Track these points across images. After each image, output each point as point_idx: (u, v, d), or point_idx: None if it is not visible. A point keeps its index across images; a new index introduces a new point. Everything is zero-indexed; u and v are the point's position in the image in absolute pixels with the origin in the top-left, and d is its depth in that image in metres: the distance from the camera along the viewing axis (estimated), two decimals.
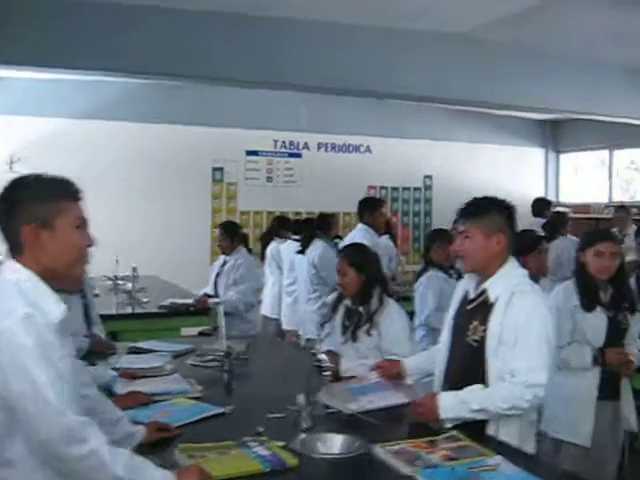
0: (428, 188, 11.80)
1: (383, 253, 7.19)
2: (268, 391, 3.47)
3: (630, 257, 6.05)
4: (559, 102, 8.03)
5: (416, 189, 11.76)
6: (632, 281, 5.69)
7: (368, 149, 11.35)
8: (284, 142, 10.88)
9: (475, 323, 2.94)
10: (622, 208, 9.27)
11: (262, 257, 8.43)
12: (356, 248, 4.35)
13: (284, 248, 7.88)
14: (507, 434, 2.82)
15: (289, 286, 7.63)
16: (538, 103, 7.92)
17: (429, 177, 11.80)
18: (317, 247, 7.11)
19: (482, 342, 2.89)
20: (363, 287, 3.93)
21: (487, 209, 2.98)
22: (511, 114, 11.65)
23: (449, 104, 8.22)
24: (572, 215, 11.88)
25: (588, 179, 12.89)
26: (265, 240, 8.45)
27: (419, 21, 6.65)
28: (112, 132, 9.47)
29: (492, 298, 2.92)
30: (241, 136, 10.42)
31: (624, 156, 12.23)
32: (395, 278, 8.10)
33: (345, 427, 2.89)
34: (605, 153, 12.28)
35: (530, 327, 2.79)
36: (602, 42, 7.32)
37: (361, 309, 3.92)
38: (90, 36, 5.80)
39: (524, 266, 4.53)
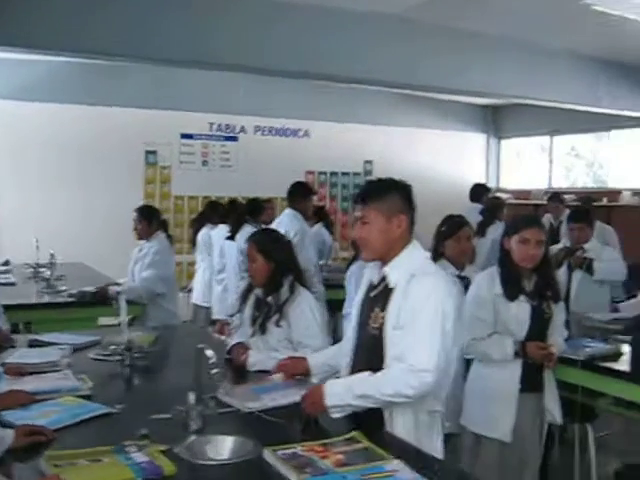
0: (368, 173, 11.61)
1: (313, 240, 7.02)
2: (167, 388, 3.24)
3: (563, 244, 5.90)
4: (498, 86, 7.89)
5: (356, 174, 11.57)
6: (563, 269, 5.60)
7: (307, 133, 11.12)
8: (220, 125, 10.58)
9: (376, 310, 2.75)
10: (555, 196, 9.18)
11: (193, 243, 8.18)
12: (266, 233, 4.12)
13: (215, 234, 7.62)
14: (402, 425, 2.65)
15: (219, 273, 7.39)
16: (476, 87, 7.76)
17: (369, 162, 11.62)
18: (246, 233, 6.84)
19: (382, 330, 2.70)
20: (272, 275, 3.69)
21: (385, 191, 2.77)
22: (453, 99, 11.55)
23: (385, 86, 8.00)
24: (512, 201, 11.90)
25: (529, 165, 12.85)
26: (196, 226, 8.18)
27: (352, 0, 6.42)
28: (34, 114, 9.07)
29: (392, 283, 2.72)
30: (175, 118, 10.10)
31: (565, 142, 12.21)
32: (327, 265, 7.92)
33: (241, 428, 2.68)
34: (546, 139, 12.22)
35: (423, 310, 2.60)
36: (540, 25, 7.21)
37: (270, 299, 3.69)
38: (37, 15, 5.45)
39: (443, 251, 4.43)
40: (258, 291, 3.79)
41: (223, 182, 10.37)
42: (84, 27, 5.63)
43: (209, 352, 2.55)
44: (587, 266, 5.52)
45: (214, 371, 2.52)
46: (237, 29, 6.25)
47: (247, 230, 7.01)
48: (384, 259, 2.77)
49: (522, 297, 3.70)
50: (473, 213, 8.05)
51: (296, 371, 3.13)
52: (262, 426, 2.67)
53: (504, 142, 13.01)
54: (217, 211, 7.94)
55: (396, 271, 2.72)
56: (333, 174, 11.39)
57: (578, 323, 4.98)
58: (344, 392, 2.62)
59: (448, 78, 7.46)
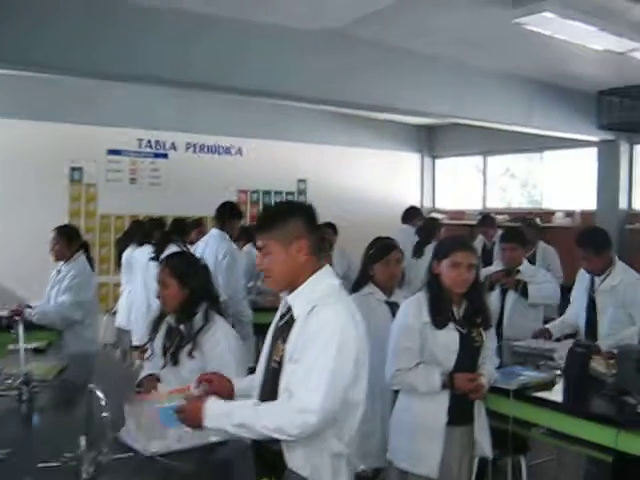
0: (302, 192, 11.40)
1: (242, 262, 6.77)
2: (63, 429, 2.94)
3: (495, 266, 5.77)
4: (430, 105, 7.74)
5: (289, 193, 11.33)
6: (496, 293, 5.47)
7: (239, 151, 10.85)
8: (149, 141, 10.22)
9: (279, 342, 2.56)
10: (486, 217, 9.11)
11: (118, 264, 7.85)
12: (180, 257, 3.87)
13: (138, 254, 7.30)
14: (303, 469, 2.44)
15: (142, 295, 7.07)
16: (408, 105, 7.59)
17: (303, 181, 11.41)
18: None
19: (281, 363, 2.51)
20: (186, 302, 3.44)
21: (281, 217, 2.56)
22: (387, 118, 11.43)
23: (314, 103, 7.77)
24: (447, 221, 11.85)
25: (464, 185, 12.82)
26: (120, 246, 7.85)
27: (279, 15, 6.21)
28: None
29: (295, 313, 2.52)
30: (102, 134, 9.70)
31: (500, 163, 12.21)
32: (257, 287, 7.67)
33: (139, 475, 2.40)
34: (480, 159, 12.20)
35: (315, 344, 2.40)
36: (474, 45, 7.13)
37: (182, 327, 3.42)
38: None
39: (372, 275, 4.23)
40: (170, 319, 3.53)
41: (152, 200, 10.01)
42: (20, 39, 5.30)
43: (99, 394, 2.27)
44: (521, 289, 5.40)
45: (104, 415, 2.25)
46: (161, 43, 5.97)
47: (172, 250, 6.76)
48: (293, 287, 2.55)
49: (451, 325, 3.51)
50: (405, 235, 7.95)
51: (220, 390, 2.85)
52: (164, 473, 2.40)
53: (439, 162, 12.96)
54: (141, 230, 7.62)
55: (299, 300, 2.53)
56: (266, 193, 11.13)
57: (510, 349, 4.84)
58: (223, 416, 2.43)
59: (379, 96, 7.28)
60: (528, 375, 3.85)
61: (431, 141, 12.84)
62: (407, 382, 3.51)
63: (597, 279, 4.90)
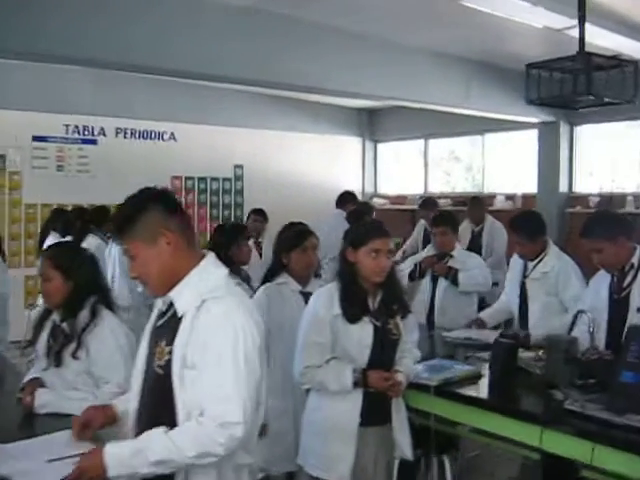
0: (239, 178, 11.06)
1: None
2: None
3: (427, 252, 5.53)
4: (363, 86, 7.42)
5: (226, 179, 10.99)
6: (427, 280, 5.25)
7: (173, 136, 10.46)
8: (77, 127, 9.77)
9: (162, 344, 2.21)
10: (427, 201, 8.90)
11: (38, 255, 7.43)
12: (64, 247, 3.52)
13: None
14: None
15: None
16: (339, 86, 7.26)
17: (240, 167, 11.06)
18: (90, 243, 6.28)
19: (168, 368, 2.17)
20: (71, 296, 3.10)
21: (134, 213, 2.23)
22: (326, 101, 11.15)
23: (240, 84, 7.42)
24: (389, 207, 11.62)
25: (407, 169, 12.60)
26: (41, 236, 7.45)
27: None
28: None
29: (180, 310, 2.20)
30: (27, 119, 9.25)
31: (444, 146, 12.00)
32: None
33: None
34: (422, 142, 11.97)
35: (215, 345, 2.10)
36: (408, 23, 6.86)
37: (65, 325, 3.09)
38: None
39: (287, 264, 3.94)
40: (56, 316, 3.19)
41: (81, 189, 9.59)
42: None
43: None
44: (452, 277, 5.17)
45: None
46: (78, 22, 5.56)
47: (90, 241, 6.46)
48: (174, 285, 2.23)
49: (365, 317, 3.23)
50: (338, 220, 7.68)
51: (98, 423, 2.50)
52: None
53: (381, 146, 12.70)
54: (63, 219, 7.23)
55: (184, 295, 2.20)
56: (201, 179, 10.77)
57: (441, 340, 4.60)
58: (133, 458, 2.07)
59: (309, 76, 6.95)
60: (452, 369, 3.59)
61: (372, 125, 12.57)
62: (317, 380, 3.22)
63: (529, 265, 4.67)
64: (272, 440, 3.64)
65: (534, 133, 9.72)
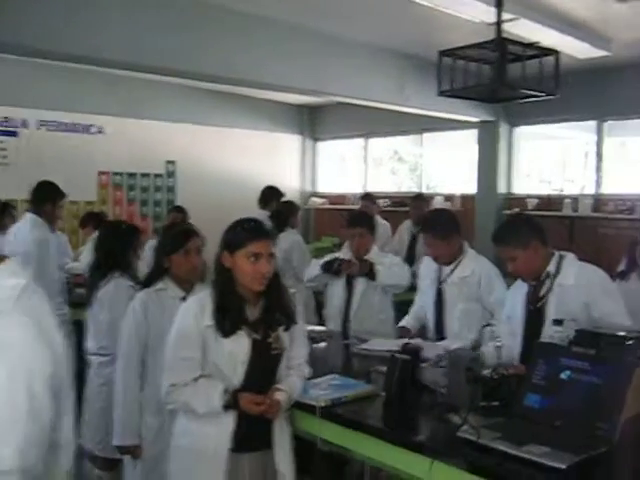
0: (171, 175, 10.59)
1: (57, 251, 5.98)
2: None
3: (343, 254, 5.15)
4: (294, 80, 7.05)
5: (157, 176, 10.50)
6: (342, 282, 4.89)
7: (100, 130, 9.93)
8: None
9: None
10: (367, 195, 8.61)
11: None
12: None
13: None
14: None
15: None
16: (268, 79, 6.87)
17: (172, 162, 10.58)
18: None
19: None
20: None
21: None
22: (265, 97, 10.75)
23: (158, 74, 6.93)
24: (328, 206, 11.27)
25: (349, 169, 12.27)
26: None
27: None
28: None
29: None
30: None
31: (387, 145, 11.68)
32: None
33: None
34: (362, 141, 11.62)
35: None
36: (341, 14, 6.53)
37: None
38: None
39: (168, 268, 3.55)
40: None
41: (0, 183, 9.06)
42: None
43: None
44: (369, 272, 4.80)
45: None
46: None
47: None
48: None
49: (242, 330, 2.85)
50: (264, 220, 7.28)
51: None
52: None
53: (320, 144, 12.32)
54: None
55: None
56: (131, 175, 10.26)
57: (348, 351, 4.24)
58: None
59: (238, 68, 6.55)
60: (344, 387, 3.21)
61: (312, 122, 12.20)
62: (182, 400, 2.84)
63: (445, 269, 4.34)
64: (148, 465, 3.26)
65: (474, 133, 9.44)
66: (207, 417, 2.81)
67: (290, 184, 11.66)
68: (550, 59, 4.17)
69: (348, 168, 12.24)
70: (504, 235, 3.57)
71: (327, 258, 5.06)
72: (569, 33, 6.44)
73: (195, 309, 2.87)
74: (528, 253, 3.47)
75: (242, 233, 2.89)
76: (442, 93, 4.44)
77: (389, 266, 4.82)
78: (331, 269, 4.88)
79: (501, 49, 3.96)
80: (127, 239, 4.31)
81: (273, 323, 2.93)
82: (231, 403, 2.78)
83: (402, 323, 4.63)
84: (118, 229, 4.45)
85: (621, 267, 4.90)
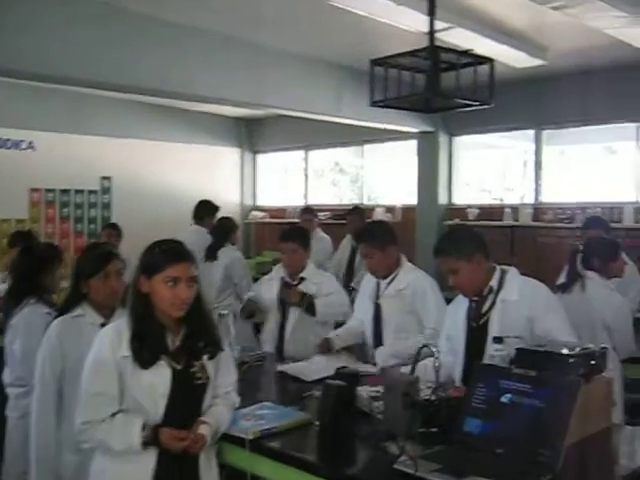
0: (106, 191, 10.26)
1: None
2: None
3: (276, 272, 4.98)
4: (227, 92, 6.87)
5: (92, 192, 10.15)
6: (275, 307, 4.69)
7: (31, 145, 9.56)
8: None
9: None
10: (307, 209, 8.47)
11: None
12: None
13: None
14: None
15: None
16: (200, 91, 6.68)
17: (107, 178, 10.26)
18: None
19: None
20: None
21: None
22: (202, 110, 10.54)
23: (96, 88, 6.71)
24: (268, 220, 11.10)
25: (287, 181, 12.11)
26: None
27: None
28: None
29: None
30: None
31: (328, 157, 11.55)
32: None
33: None
34: (302, 153, 11.46)
35: None
36: (276, 24, 6.40)
37: None
38: None
39: (88, 293, 3.32)
40: None
41: None
42: None
43: None
44: (307, 305, 4.61)
45: None
46: None
47: None
48: None
49: (162, 360, 2.65)
50: (198, 235, 7.09)
51: None
52: None
53: (260, 157, 12.12)
54: None
55: None
56: (64, 192, 9.91)
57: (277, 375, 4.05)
58: None
59: (168, 80, 6.35)
60: (276, 416, 3.01)
61: (251, 135, 11.99)
62: (98, 438, 2.62)
63: (382, 284, 4.20)
64: None
65: (415, 143, 9.36)
66: (125, 455, 2.60)
67: (230, 198, 11.48)
68: (485, 68, 4.06)
69: (289, 181, 12.07)
70: (446, 246, 3.43)
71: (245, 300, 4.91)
72: (505, 42, 6.41)
73: (111, 338, 2.65)
74: (471, 266, 3.34)
75: (160, 256, 2.69)
76: (374, 103, 4.30)
77: (328, 293, 4.64)
78: (244, 314, 4.75)
79: (433, 57, 3.83)
80: (44, 261, 4.05)
81: (196, 351, 2.73)
82: (151, 439, 2.57)
83: (330, 334, 4.41)
84: (34, 251, 4.18)
85: (562, 279, 4.80)
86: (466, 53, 4.01)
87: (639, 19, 4.25)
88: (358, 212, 8.00)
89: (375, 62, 4.14)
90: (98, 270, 3.25)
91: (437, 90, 3.87)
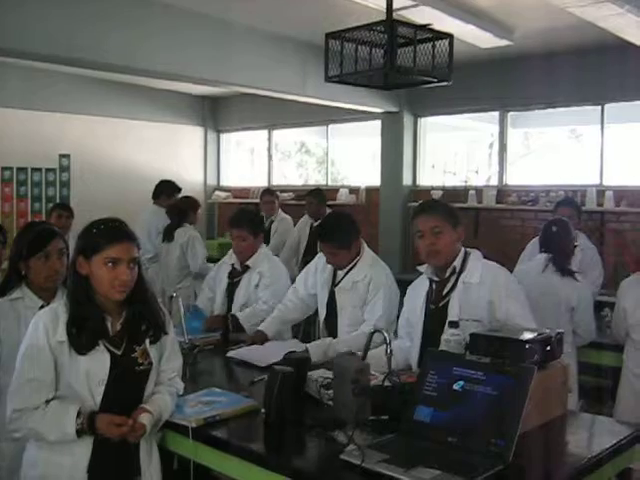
0: (65, 169, 10.01)
1: None
2: None
3: (229, 258, 4.83)
4: (189, 69, 6.68)
5: (50, 170, 9.89)
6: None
7: None
8: None
9: None
10: (268, 191, 8.34)
11: None
12: None
13: None
14: None
15: None
16: (159, 67, 6.46)
17: (66, 156, 10.00)
18: None
19: None
20: None
21: None
22: (165, 87, 10.31)
23: (50, 62, 6.44)
24: (232, 200, 10.95)
25: (252, 161, 11.95)
26: None
27: None
28: None
29: None
30: None
31: (294, 137, 11.41)
32: None
33: None
34: (266, 133, 11.29)
35: None
36: (240, 2, 6.22)
37: None
38: None
39: (27, 274, 3.17)
40: None
41: None
42: None
43: None
44: (234, 325, 4.44)
45: None
46: None
47: None
48: None
49: (100, 345, 2.52)
50: (156, 216, 6.95)
51: None
52: None
53: (224, 136, 11.93)
54: None
55: None
56: (21, 170, 9.63)
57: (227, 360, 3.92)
58: None
59: (132, 56, 6.15)
60: (220, 403, 2.89)
61: (215, 113, 11.77)
62: (29, 427, 2.48)
63: (339, 273, 4.07)
64: None
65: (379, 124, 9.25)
66: (59, 446, 2.47)
67: (193, 177, 11.31)
68: (445, 44, 3.94)
69: (255, 161, 11.90)
70: (440, 206, 3.43)
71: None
72: (471, 22, 6.30)
73: (46, 322, 2.51)
74: (454, 234, 3.31)
75: (99, 236, 2.55)
76: (329, 79, 4.16)
77: (267, 285, 4.49)
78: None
79: (391, 31, 3.70)
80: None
81: (138, 335, 2.61)
82: (87, 427, 2.44)
83: (261, 327, 4.24)
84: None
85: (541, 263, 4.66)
86: (424, 28, 3.89)
87: None
88: (315, 194, 7.89)
89: (330, 35, 4.00)
90: (38, 250, 3.09)
91: (394, 66, 3.73)
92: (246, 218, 4.60)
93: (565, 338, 3.03)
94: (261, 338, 4.10)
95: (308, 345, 3.82)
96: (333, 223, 4.15)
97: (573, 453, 2.60)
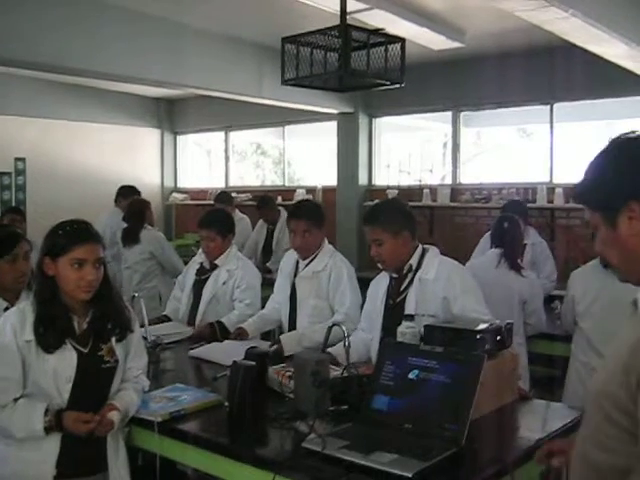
0: (20, 173, 9.96)
1: None
2: None
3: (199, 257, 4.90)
4: (143, 70, 6.72)
5: (5, 174, 9.85)
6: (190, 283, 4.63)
7: None
8: None
9: None
10: (222, 195, 8.45)
11: None
12: None
13: None
14: None
15: None
16: (113, 69, 6.50)
17: (21, 160, 9.95)
18: None
19: None
20: None
21: None
22: (121, 90, 10.31)
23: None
24: (189, 202, 10.99)
25: (209, 163, 11.99)
26: None
27: None
28: None
29: None
30: None
31: (250, 138, 11.48)
32: None
33: None
34: (223, 134, 11.34)
35: None
36: (185, 4, 6.27)
37: None
38: None
39: None
40: None
41: None
42: None
43: None
44: (221, 330, 4.50)
45: None
46: None
47: None
48: None
49: (67, 344, 2.59)
50: (116, 219, 6.98)
51: None
52: None
53: (181, 138, 11.96)
54: None
55: None
56: None
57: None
58: None
59: (81, 58, 6.18)
60: (184, 398, 2.98)
61: (172, 115, 11.82)
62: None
63: (301, 263, 4.18)
64: None
65: (335, 125, 9.38)
66: (28, 442, 2.54)
67: (150, 180, 11.33)
68: (397, 47, 4.07)
69: (212, 162, 11.95)
70: (377, 216, 3.45)
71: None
72: (424, 25, 6.44)
73: (14, 323, 2.58)
74: (396, 242, 3.37)
75: (64, 237, 2.62)
76: (286, 82, 4.26)
77: (238, 286, 4.55)
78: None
79: (345, 35, 3.82)
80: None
81: (104, 334, 2.68)
82: (54, 424, 2.51)
83: (244, 325, 4.33)
84: None
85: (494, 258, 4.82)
86: (377, 32, 4.01)
87: (547, 3, 4.30)
88: (265, 202, 8.07)
89: (286, 40, 4.11)
90: (5, 253, 3.15)
91: (349, 69, 3.85)
92: (215, 219, 4.66)
93: (516, 330, 3.17)
94: (242, 334, 4.17)
95: (281, 336, 3.92)
96: (305, 206, 4.33)
97: (524, 436, 2.72)
